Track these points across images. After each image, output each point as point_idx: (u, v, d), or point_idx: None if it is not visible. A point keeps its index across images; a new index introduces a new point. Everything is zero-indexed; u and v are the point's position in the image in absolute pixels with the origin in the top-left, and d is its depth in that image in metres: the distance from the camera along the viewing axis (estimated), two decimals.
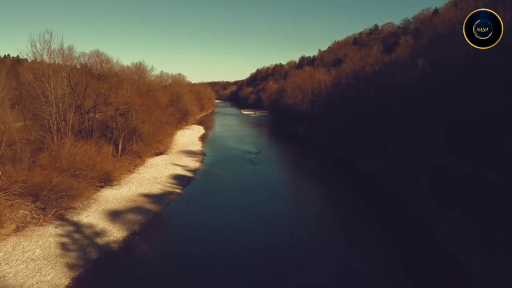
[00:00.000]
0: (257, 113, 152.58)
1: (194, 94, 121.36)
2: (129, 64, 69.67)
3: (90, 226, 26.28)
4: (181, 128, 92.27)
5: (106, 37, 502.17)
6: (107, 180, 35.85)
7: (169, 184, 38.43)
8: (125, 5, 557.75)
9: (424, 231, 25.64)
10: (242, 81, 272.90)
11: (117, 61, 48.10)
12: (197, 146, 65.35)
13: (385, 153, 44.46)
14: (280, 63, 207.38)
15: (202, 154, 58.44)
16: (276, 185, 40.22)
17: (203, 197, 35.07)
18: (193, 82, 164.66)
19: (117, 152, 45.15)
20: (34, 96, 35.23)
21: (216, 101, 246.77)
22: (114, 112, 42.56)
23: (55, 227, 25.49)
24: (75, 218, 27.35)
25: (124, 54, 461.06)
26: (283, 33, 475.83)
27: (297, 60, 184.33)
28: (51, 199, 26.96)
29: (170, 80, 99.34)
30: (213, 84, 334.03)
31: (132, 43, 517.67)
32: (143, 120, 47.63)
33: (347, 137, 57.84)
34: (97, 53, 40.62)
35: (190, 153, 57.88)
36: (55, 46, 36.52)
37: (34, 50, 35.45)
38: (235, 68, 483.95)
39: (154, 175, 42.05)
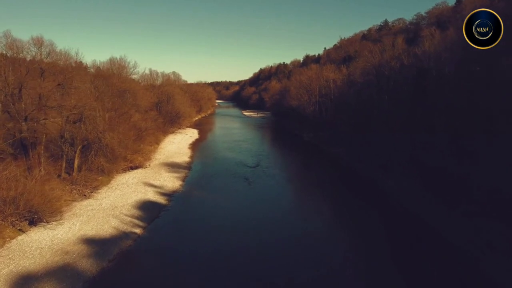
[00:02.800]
0: (259, 115, 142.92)
1: (189, 95, 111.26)
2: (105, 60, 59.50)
3: None
4: (172, 132, 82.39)
5: (107, 37, 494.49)
6: (40, 216, 25.75)
7: (129, 219, 28.26)
8: (126, 4, 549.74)
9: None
10: (245, 81, 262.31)
11: (76, 53, 37.96)
12: (184, 157, 55.20)
13: (419, 171, 34.08)
14: (284, 62, 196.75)
15: (187, 167, 48.26)
16: (274, 220, 29.85)
17: (170, 242, 24.89)
18: (194, 82, 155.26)
19: (73, 170, 35.13)
20: None
21: (219, 101, 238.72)
22: (65, 119, 32.50)
23: None
24: None
25: (130, 56, 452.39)
26: (287, 33, 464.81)
27: (301, 59, 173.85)
28: None
29: (160, 79, 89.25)
30: (215, 84, 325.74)
31: (133, 44, 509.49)
32: (108, 128, 37.56)
33: (363, 146, 47.47)
34: (38, 40, 30.39)
35: (173, 166, 47.76)
36: None
37: None
38: (239, 68, 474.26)
39: (115, 202, 31.94)
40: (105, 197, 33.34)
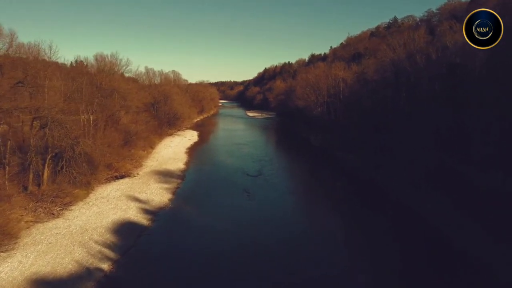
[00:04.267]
0: (264, 115, 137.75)
1: (190, 95, 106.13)
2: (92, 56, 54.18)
3: None
4: (170, 134, 77.38)
5: (111, 38, 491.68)
6: None
7: (98, 248, 22.90)
8: (130, 4, 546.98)
9: None
10: (249, 80, 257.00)
11: (50, 47, 32.58)
12: (179, 163, 49.87)
13: (450, 186, 28.36)
14: (289, 62, 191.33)
15: (180, 176, 42.89)
16: (276, 250, 24.28)
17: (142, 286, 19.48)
18: (198, 81, 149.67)
19: (42, 183, 29.94)
20: None
21: (223, 101, 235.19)
22: (30, 124, 27.28)
23: None
24: None
25: (131, 56, 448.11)
26: (292, 32, 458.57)
27: (307, 58, 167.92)
28: None
29: (158, 78, 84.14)
30: (220, 84, 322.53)
31: (136, 44, 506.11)
32: (88, 133, 32.35)
33: (380, 152, 41.78)
34: None
35: (164, 175, 42.46)
36: None
37: None
38: (244, 68, 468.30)
39: (87, 223, 26.65)
40: (77, 216, 28.07)
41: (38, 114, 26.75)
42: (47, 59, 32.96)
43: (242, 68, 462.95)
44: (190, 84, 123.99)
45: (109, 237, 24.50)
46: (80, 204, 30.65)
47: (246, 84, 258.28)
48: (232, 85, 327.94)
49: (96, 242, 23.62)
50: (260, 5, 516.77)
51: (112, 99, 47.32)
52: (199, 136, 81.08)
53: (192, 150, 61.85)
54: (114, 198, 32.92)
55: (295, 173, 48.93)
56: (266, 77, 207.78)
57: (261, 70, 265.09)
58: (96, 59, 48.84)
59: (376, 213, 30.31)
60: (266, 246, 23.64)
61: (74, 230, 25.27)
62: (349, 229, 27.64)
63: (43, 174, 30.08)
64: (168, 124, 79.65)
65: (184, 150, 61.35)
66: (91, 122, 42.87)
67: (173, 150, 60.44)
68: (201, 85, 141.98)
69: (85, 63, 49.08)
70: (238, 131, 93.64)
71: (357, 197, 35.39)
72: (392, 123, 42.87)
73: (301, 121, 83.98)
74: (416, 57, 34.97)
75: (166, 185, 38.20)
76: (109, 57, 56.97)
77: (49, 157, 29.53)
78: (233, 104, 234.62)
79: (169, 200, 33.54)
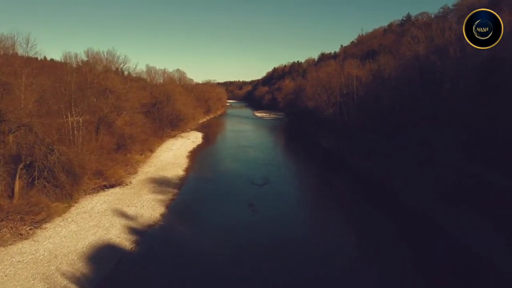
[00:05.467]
0: (272, 116, 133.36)
1: (195, 95, 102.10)
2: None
3: None
4: (173, 136, 73.48)
5: (114, 38, 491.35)
6: None
7: (64, 283, 18.64)
8: (135, 4, 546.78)
9: None
10: (258, 80, 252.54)
11: (28, 40, 28.49)
12: (178, 169, 45.64)
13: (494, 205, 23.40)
14: (298, 61, 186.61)
15: (178, 185, 38.61)
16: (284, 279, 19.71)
17: None
18: (206, 81, 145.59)
19: (13, 197, 25.92)
20: None
21: (231, 101, 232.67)
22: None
23: None
24: None
25: (138, 56, 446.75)
26: (301, 31, 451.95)
27: (316, 58, 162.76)
28: None
29: (161, 77, 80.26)
30: (228, 84, 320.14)
31: (143, 44, 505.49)
32: (65, 139, 28.30)
33: (404, 161, 36.88)
34: None
35: (160, 184, 38.29)
36: None
37: None
38: (253, 67, 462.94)
39: (59, 246, 22.47)
40: (50, 236, 23.95)
41: (2, 118, 22.75)
42: (24, 54, 29.00)
43: (251, 67, 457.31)
44: (196, 83, 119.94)
45: (81, 267, 20.23)
46: (57, 220, 26.53)
47: (255, 84, 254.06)
48: (240, 85, 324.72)
49: (63, 274, 19.37)
50: (269, 5, 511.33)
51: (105, 99, 43.33)
52: (203, 138, 76.97)
53: (194, 154, 57.65)
54: (98, 212, 28.75)
55: (305, 182, 44.19)
56: (275, 77, 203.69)
57: (270, 69, 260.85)
58: (88, 56, 44.89)
59: (404, 236, 25.48)
60: (272, 282, 19.08)
61: (41, 257, 21.10)
62: (370, 252, 22.86)
63: (15, 185, 26.08)
64: (171, 125, 75.78)
65: (185, 153, 57.19)
66: (81, 125, 39.12)
67: (174, 153, 56.34)
68: (208, 85, 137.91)
69: (75, 60, 45.11)
70: (244, 132, 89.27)
71: (377, 211, 30.54)
72: (416, 125, 38.01)
73: (311, 122, 79.18)
74: (449, 50, 29.99)
75: (160, 196, 33.94)
76: (105, 54, 53.37)
77: (20, 166, 25.50)
78: (241, 104, 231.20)
79: (161, 215, 29.19)
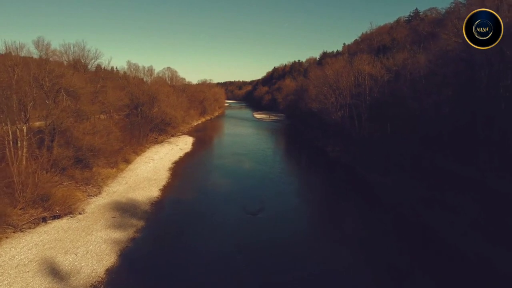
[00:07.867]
0: (272, 117, 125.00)
1: (187, 95, 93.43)
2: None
3: None
4: (160, 142, 65.03)
5: (116, 38, 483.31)
6: None
7: None
8: (134, 4, 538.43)
9: None
10: (257, 80, 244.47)
11: None
12: (154, 188, 36.90)
13: None
14: (299, 60, 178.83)
15: (146, 214, 29.76)
16: None
17: None
18: (199, 80, 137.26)
19: None
20: None
21: (230, 101, 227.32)
22: None
23: None
24: None
25: (137, 56, 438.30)
26: (303, 30, 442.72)
27: (318, 57, 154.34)
28: None
29: (147, 76, 71.56)
30: (228, 84, 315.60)
31: (141, 44, 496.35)
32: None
33: (441, 181, 28.23)
34: None
35: (124, 212, 29.60)
36: None
37: None
38: (253, 67, 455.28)
39: None
40: None
41: None
42: None
43: (252, 67, 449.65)
44: (189, 83, 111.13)
45: None
46: None
47: (255, 84, 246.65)
48: (240, 84, 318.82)
49: None
50: (269, 3, 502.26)
51: (62, 101, 34.69)
52: (193, 144, 68.32)
53: (179, 166, 48.92)
54: (16, 267, 20.02)
55: (311, 207, 34.67)
56: (275, 76, 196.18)
57: (270, 69, 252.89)
58: (38, 46, 36.19)
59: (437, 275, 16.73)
60: None
61: None
62: None
63: None
64: (157, 130, 67.24)
65: (168, 165, 48.48)
66: (25, 135, 30.52)
67: (155, 165, 47.66)
68: (203, 85, 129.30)
69: (21, 52, 36.36)
70: (241, 136, 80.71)
71: (404, 246, 21.71)
72: (453, 136, 29.38)
73: (314, 126, 70.58)
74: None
75: (116, 234, 25.21)
76: (73, 47, 44.74)
77: None
78: (241, 104, 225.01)
79: (106, 271, 20.36)
